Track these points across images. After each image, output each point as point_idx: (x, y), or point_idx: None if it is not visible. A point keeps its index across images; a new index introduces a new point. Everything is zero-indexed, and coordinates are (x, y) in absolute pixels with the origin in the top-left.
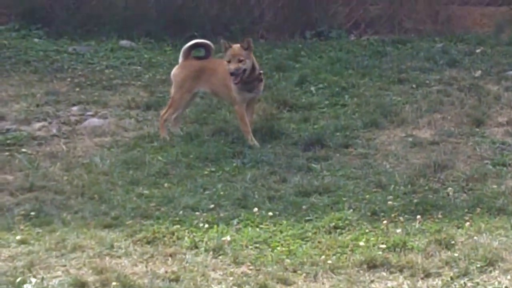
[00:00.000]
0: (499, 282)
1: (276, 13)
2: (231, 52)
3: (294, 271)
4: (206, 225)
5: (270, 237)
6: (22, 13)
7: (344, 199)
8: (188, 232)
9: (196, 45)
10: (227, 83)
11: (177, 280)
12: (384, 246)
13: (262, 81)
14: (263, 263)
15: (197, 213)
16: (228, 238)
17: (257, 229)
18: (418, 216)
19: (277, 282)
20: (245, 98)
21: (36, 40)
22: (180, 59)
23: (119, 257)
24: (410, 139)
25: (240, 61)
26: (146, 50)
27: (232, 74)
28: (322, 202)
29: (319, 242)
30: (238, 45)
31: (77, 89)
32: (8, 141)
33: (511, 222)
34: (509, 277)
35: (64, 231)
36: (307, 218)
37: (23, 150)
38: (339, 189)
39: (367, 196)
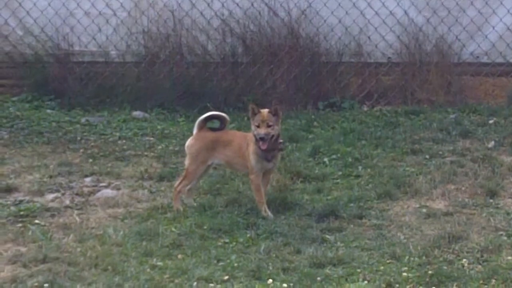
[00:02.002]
0: None
1: (288, 84)
2: (261, 117)
3: None
4: None
5: None
6: (34, 84)
7: (359, 270)
8: None
9: (210, 117)
10: (243, 153)
11: None
12: None
13: (281, 151)
14: None
15: (211, 284)
16: None
17: None
18: None
19: None
20: (262, 167)
21: (48, 111)
22: (195, 131)
23: None
24: (424, 210)
25: (269, 126)
26: (159, 121)
27: (261, 139)
28: (337, 274)
29: None
30: (267, 110)
31: (90, 160)
32: (21, 213)
33: None
34: None
35: None
36: None
37: (36, 221)
38: (354, 260)
39: (382, 267)
